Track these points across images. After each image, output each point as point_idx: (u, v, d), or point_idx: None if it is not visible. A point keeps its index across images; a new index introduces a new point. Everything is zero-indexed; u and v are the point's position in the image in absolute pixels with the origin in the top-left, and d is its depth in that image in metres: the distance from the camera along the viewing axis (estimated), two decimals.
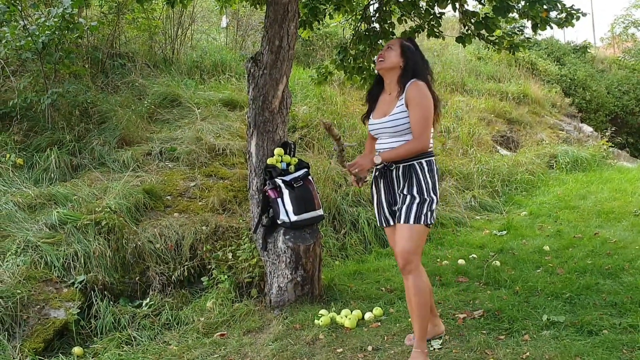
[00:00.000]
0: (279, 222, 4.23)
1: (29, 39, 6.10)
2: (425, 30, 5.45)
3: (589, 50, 17.19)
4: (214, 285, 4.73)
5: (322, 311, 4.10)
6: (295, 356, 3.56)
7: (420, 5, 5.32)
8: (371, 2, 5.71)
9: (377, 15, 5.61)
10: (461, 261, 5.32)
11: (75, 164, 5.92)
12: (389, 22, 5.55)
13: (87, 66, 7.45)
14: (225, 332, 4.08)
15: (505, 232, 6.43)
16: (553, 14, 4.59)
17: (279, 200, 4.20)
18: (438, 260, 5.49)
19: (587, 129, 13.32)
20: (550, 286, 4.35)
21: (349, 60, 5.78)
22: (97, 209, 4.94)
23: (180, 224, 5.15)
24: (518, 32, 5.62)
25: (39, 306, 4.08)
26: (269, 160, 4.32)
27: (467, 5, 5.17)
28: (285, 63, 4.36)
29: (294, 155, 4.44)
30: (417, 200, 3.12)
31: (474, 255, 5.51)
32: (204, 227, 5.18)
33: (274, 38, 4.31)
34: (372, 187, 3.43)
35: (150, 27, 8.63)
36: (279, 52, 4.32)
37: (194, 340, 3.99)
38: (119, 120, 6.53)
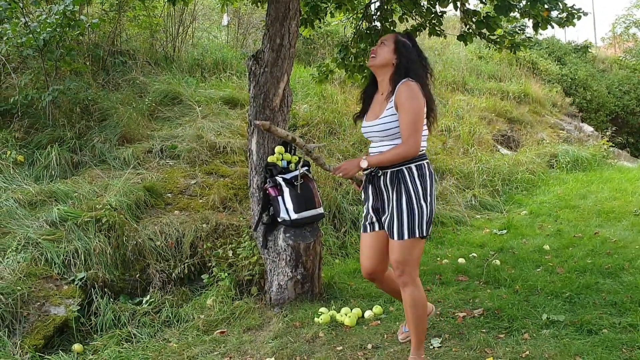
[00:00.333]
0: (279, 220, 4.23)
1: (30, 36, 6.09)
2: (427, 28, 5.44)
3: (589, 50, 17.17)
4: (214, 283, 4.73)
5: (322, 309, 4.10)
6: (295, 354, 3.56)
7: (422, 4, 5.32)
8: (372, 1, 5.71)
9: (378, 13, 5.61)
10: (461, 260, 5.33)
11: (76, 161, 5.92)
12: (390, 20, 5.55)
13: (88, 63, 7.45)
14: (225, 330, 4.08)
15: (505, 231, 6.43)
16: (554, 13, 4.59)
17: (280, 198, 4.20)
18: (438, 259, 5.49)
19: (588, 128, 13.32)
20: (550, 285, 4.36)
21: (350, 59, 5.79)
22: (97, 206, 4.94)
23: (181, 222, 5.15)
24: (519, 32, 5.61)
25: (39, 303, 4.08)
26: (270, 159, 4.33)
27: (469, 4, 5.17)
28: (286, 61, 4.36)
29: (294, 154, 4.44)
30: (406, 212, 2.93)
31: (474, 254, 5.52)
32: (204, 225, 5.18)
33: (275, 36, 4.31)
34: (362, 191, 3.26)
35: (152, 24, 8.63)
36: (280, 50, 4.32)
37: (194, 337, 3.99)
38: (119, 118, 6.53)
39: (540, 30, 4.69)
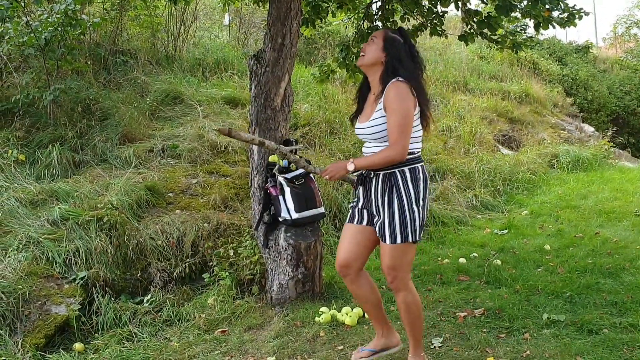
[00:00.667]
0: (280, 219, 4.24)
1: (32, 35, 6.09)
2: (428, 28, 5.44)
3: (591, 50, 17.16)
4: (215, 282, 4.73)
5: (323, 308, 4.11)
6: (296, 353, 3.57)
7: (423, 4, 5.31)
8: (374, 1, 5.71)
9: (379, 13, 5.60)
10: (462, 260, 5.33)
11: (77, 160, 5.93)
12: (391, 20, 5.55)
13: (89, 63, 7.45)
14: (226, 329, 4.09)
15: (506, 231, 6.43)
16: (555, 13, 4.59)
17: (281, 197, 4.20)
18: (439, 258, 5.50)
19: (589, 129, 13.31)
20: (550, 285, 4.36)
21: (351, 59, 5.78)
22: (98, 205, 4.95)
23: (182, 221, 5.15)
24: (520, 31, 5.60)
25: (40, 302, 4.09)
26: (271, 158, 4.33)
27: (470, 4, 5.17)
28: (287, 61, 4.37)
29: (296, 153, 4.44)
30: (398, 216, 2.84)
31: (475, 254, 5.52)
32: (205, 224, 5.18)
33: (276, 36, 4.31)
34: (353, 192, 3.15)
35: (153, 24, 8.63)
36: (281, 49, 4.32)
37: (195, 336, 4.00)
38: (121, 117, 6.53)
39: (541, 30, 4.69)
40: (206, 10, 11.47)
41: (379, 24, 5.62)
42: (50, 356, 3.77)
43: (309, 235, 4.33)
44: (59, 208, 4.88)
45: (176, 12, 9.05)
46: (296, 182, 4.20)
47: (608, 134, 12.76)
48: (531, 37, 5.82)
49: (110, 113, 6.62)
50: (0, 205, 4.89)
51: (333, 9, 5.69)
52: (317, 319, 3.99)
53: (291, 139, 4.47)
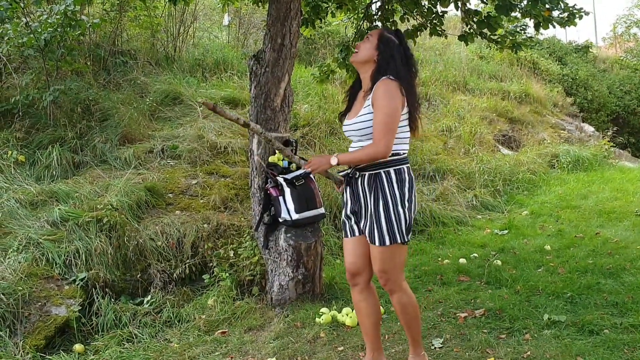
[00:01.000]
0: (280, 220, 4.23)
1: (31, 36, 6.09)
2: (428, 28, 5.44)
3: (590, 50, 17.15)
4: (215, 283, 4.73)
5: (323, 309, 4.11)
6: (296, 354, 3.56)
7: (423, 4, 5.31)
8: (373, 1, 5.71)
9: (379, 13, 5.60)
10: (462, 260, 5.33)
11: (77, 161, 5.92)
12: (391, 20, 5.55)
13: (89, 63, 7.45)
14: (227, 330, 4.08)
15: (506, 231, 6.43)
16: (555, 13, 4.59)
17: (281, 198, 4.20)
18: (439, 259, 5.49)
19: (589, 128, 13.31)
20: (551, 285, 4.36)
21: None
22: (98, 206, 4.94)
23: (182, 222, 5.15)
24: (520, 31, 5.60)
25: (40, 303, 4.08)
26: (271, 159, 4.33)
27: (470, 3, 5.17)
28: (287, 61, 4.36)
29: (296, 154, 4.44)
30: (384, 218, 2.82)
31: (476, 255, 5.52)
32: (205, 225, 5.18)
33: (276, 36, 4.30)
34: (342, 193, 3.12)
35: (153, 24, 8.62)
36: (281, 50, 4.32)
37: (195, 337, 4.00)
38: (120, 118, 6.53)
39: (541, 30, 4.69)
40: (206, 11, 11.47)
41: (379, 24, 5.62)
42: (50, 357, 3.77)
43: (309, 236, 4.32)
44: (59, 209, 4.88)
45: (176, 13, 9.04)
46: (296, 183, 4.20)
47: (608, 133, 12.75)
48: (531, 37, 5.82)
49: (110, 114, 6.62)
50: (0, 207, 4.89)
51: (333, 9, 5.69)
52: (317, 319, 3.99)
53: (291, 140, 4.46)
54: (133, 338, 4.05)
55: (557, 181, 8.93)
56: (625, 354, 3.16)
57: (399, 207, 2.83)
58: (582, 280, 4.44)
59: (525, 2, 4.57)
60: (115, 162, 5.97)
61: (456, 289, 4.53)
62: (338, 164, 2.90)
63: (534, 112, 12.27)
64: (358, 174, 2.92)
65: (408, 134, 2.94)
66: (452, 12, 6.13)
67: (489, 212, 7.53)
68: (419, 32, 5.44)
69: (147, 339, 4.04)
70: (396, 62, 2.88)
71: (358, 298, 3.10)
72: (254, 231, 4.59)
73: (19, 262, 4.29)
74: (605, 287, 4.27)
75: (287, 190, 4.17)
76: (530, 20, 4.77)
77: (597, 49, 19.70)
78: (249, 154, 4.57)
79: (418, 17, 5.49)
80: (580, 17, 4.58)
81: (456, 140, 9.45)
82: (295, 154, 4.39)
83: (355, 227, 3.01)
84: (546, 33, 16.84)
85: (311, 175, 4.32)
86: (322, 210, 4.35)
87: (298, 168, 4.33)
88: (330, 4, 5.61)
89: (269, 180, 4.29)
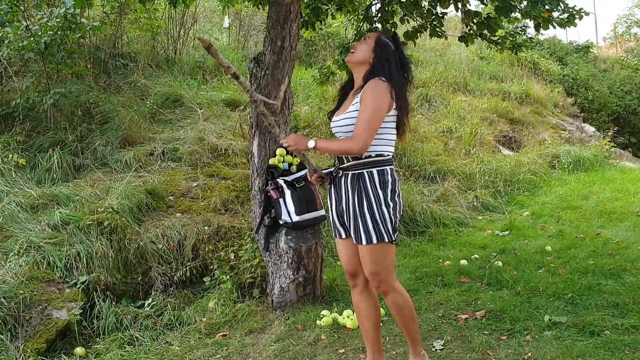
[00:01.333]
0: (280, 222, 4.23)
1: (32, 39, 6.10)
2: (428, 30, 5.44)
3: (591, 50, 17.14)
4: (216, 286, 4.73)
5: (324, 312, 4.10)
6: (297, 357, 3.56)
7: (423, 5, 5.31)
8: (373, 2, 5.71)
9: (379, 15, 5.60)
10: (463, 261, 5.32)
11: (78, 164, 5.93)
12: (391, 22, 5.55)
13: (89, 66, 7.45)
14: (228, 333, 4.08)
15: (507, 232, 6.43)
16: (555, 13, 4.58)
17: (281, 200, 4.20)
18: (440, 260, 5.49)
19: (590, 129, 13.30)
20: (552, 287, 4.35)
21: None
22: (99, 209, 4.94)
23: (183, 224, 5.15)
24: (520, 32, 5.60)
25: (41, 307, 4.08)
26: (271, 161, 4.33)
27: (470, 5, 5.16)
28: (287, 63, 4.36)
29: (295, 156, 4.44)
30: (369, 217, 2.82)
31: (476, 256, 5.51)
32: (206, 228, 5.18)
33: (276, 38, 4.31)
34: (327, 194, 3.11)
35: (153, 27, 8.63)
36: (281, 52, 4.32)
37: (196, 340, 4.00)
38: (121, 121, 6.53)
39: (541, 31, 4.69)
40: (206, 13, 11.47)
41: (379, 25, 5.62)
42: None
43: (310, 238, 4.33)
44: (60, 212, 4.88)
45: (176, 15, 9.06)
46: (297, 185, 4.20)
47: (609, 134, 12.74)
48: (531, 37, 5.82)
49: (110, 116, 6.62)
50: (1, 210, 4.89)
51: (333, 11, 5.69)
52: (318, 322, 3.99)
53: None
54: (134, 341, 4.05)
55: (558, 182, 8.92)
56: (626, 355, 3.16)
57: (383, 207, 2.83)
58: (582, 281, 4.44)
59: (524, 3, 4.57)
60: (116, 165, 5.97)
61: (457, 291, 4.52)
62: (315, 148, 2.89)
63: (534, 113, 12.26)
64: (341, 173, 2.93)
65: (394, 137, 2.94)
66: (452, 13, 6.13)
67: (489, 213, 7.53)
68: (419, 34, 5.44)
69: (148, 341, 4.04)
70: (391, 66, 2.91)
71: (358, 299, 3.12)
72: (254, 233, 4.60)
73: (20, 266, 4.30)
74: (606, 288, 4.27)
75: (288, 193, 4.18)
76: (530, 21, 4.77)
77: (597, 49, 19.69)
78: (250, 156, 4.58)
79: (418, 18, 5.49)
80: (581, 18, 4.58)
81: (457, 141, 9.45)
82: (295, 156, 4.41)
83: (341, 229, 3.03)
84: (546, 33, 16.84)
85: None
86: (322, 212, 4.35)
87: (299, 170, 4.34)
88: (330, 5, 5.61)
89: (269, 182, 4.30)
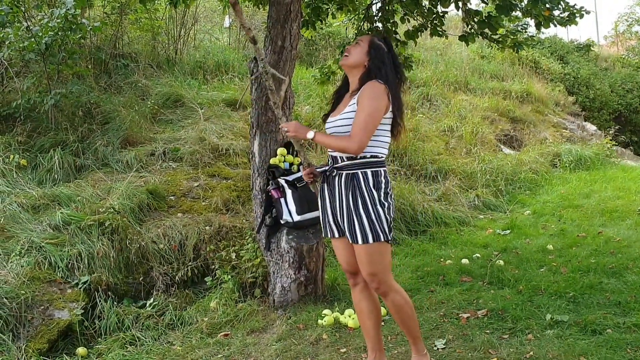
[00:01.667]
0: (282, 222, 4.23)
1: (32, 40, 6.10)
2: (428, 29, 5.44)
3: (592, 49, 17.12)
4: (217, 286, 4.73)
5: (326, 311, 4.10)
6: (299, 356, 3.56)
7: (423, 4, 5.31)
8: (374, 2, 5.71)
9: (379, 14, 5.60)
10: (465, 260, 5.32)
11: (79, 164, 5.93)
12: (391, 21, 5.55)
13: (90, 67, 7.46)
14: (229, 332, 4.08)
15: (508, 231, 6.42)
16: (556, 12, 4.58)
17: (282, 200, 4.20)
18: (441, 259, 5.49)
19: (591, 127, 13.29)
20: (553, 285, 4.35)
21: None
22: (100, 209, 4.95)
23: (184, 224, 5.15)
24: (521, 31, 5.60)
25: (43, 307, 4.09)
26: (272, 160, 4.33)
27: (470, 4, 5.16)
28: (288, 63, 4.36)
29: (296, 155, 4.44)
30: (365, 216, 2.82)
31: (478, 255, 5.51)
32: (207, 227, 5.18)
33: (276, 38, 4.31)
34: (319, 193, 3.12)
35: (153, 27, 8.63)
36: (281, 52, 4.32)
37: (198, 340, 4.00)
38: (122, 121, 6.54)
39: (542, 29, 4.68)
40: (206, 13, 11.47)
41: (379, 25, 5.63)
42: None
43: (311, 237, 4.33)
44: (61, 213, 4.88)
45: (176, 15, 9.05)
46: (298, 185, 4.20)
47: (610, 132, 12.72)
48: (532, 36, 5.82)
49: (111, 117, 6.63)
50: (3, 211, 4.89)
51: (333, 10, 5.69)
52: (319, 321, 3.98)
53: (292, 141, 4.46)
54: (136, 341, 4.05)
55: (559, 180, 8.92)
56: (628, 353, 3.15)
57: (378, 207, 2.84)
58: (584, 279, 4.44)
59: (525, 2, 4.56)
60: (117, 165, 5.97)
61: (459, 290, 4.52)
62: (313, 139, 2.93)
63: (535, 112, 12.25)
64: (336, 172, 2.94)
65: (389, 139, 2.96)
66: (453, 12, 6.13)
67: (491, 212, 7.52)
68: (419, 33, 5.44)
69: (149, 341, 4.04)
70: (386, 68, 2.94)
71: (358, 298, 3.11)
72: (255, 233, 4.60)
73: (22, 266, 4.30)
74: (607, 286, 4.26)
75: (289, 192, 4.18)
76: (531, 19, 4.77)
77: (598, 47, 19.64)
78: (251, 156, 4.58)
79: (419, 17, 5.48)
80: (581, 16, 4.58)
81: (458, 140, 9.44)
82: (296, 155, 4.41)
83: (335, 228, 3.02)
84: (547, 32, 16.87)
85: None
86: None
87: (299, 170, 4.34)
88: (330, 5, 5.61)
89: (270, 182, 4.30)
